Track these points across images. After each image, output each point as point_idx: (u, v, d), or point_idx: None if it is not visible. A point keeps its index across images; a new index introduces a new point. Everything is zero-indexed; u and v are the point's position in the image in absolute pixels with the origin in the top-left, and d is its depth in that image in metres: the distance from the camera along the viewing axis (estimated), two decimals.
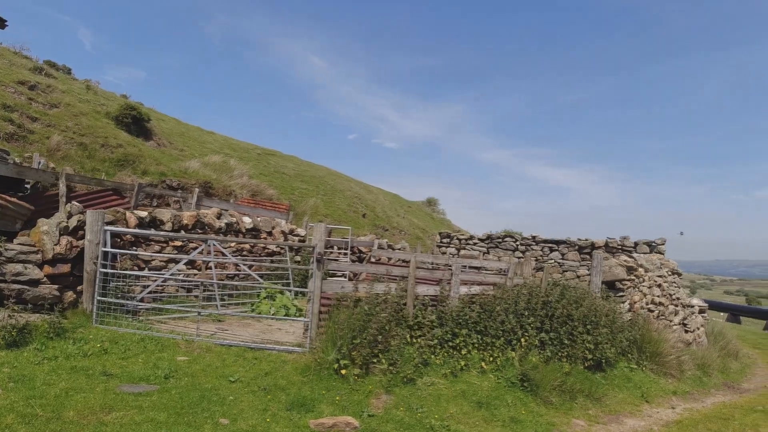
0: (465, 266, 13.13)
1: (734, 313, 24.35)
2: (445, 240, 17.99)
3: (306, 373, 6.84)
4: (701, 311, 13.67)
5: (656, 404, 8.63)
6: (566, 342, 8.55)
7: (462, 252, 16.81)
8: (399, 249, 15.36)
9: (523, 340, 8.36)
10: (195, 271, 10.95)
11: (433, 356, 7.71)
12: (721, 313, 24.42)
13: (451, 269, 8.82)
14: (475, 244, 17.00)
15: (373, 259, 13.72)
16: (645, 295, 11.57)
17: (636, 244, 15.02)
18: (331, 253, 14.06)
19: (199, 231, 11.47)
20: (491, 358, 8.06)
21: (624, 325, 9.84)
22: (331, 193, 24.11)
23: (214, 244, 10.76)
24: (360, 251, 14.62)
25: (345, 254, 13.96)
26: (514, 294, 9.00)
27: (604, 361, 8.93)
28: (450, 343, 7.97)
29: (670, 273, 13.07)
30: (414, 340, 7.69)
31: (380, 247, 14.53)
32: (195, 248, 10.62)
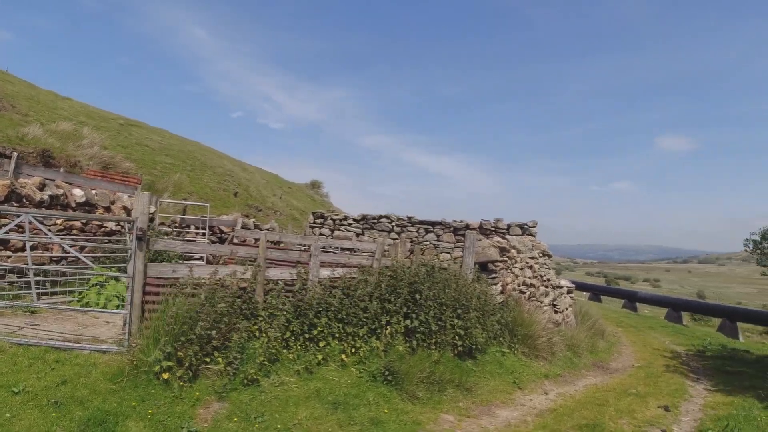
0: (337, 247, 12.18)
1: (595, 293, 25.95)
2: (318, 220, 16.90)
3: (118, 380, 5.42)
4: (569, 292, 13.92)
5: (529, 390, 8.26)
6: (434, 328, 7.85)
7: (336, 233, 15.88)
8: (267, 229, 14.04)
9: (388, 328, 7.55)
10: (9, 253, 9.00)
11: (285, 351, 6.60)
12: (584, 293, 25.89)
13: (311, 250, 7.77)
14: (350, 224, 16.13)
15: (236, 240, 12.33)
16: (517, 276, 11.37)
17: (509, 226, 14.99)
18: (188, 233, 12.42)
19: (15, 204, 9.44)
20: (353, 350, 7.14)
21: (496, 308, 9.44)
22: (200, 169, 21.98)
23: (30, 220, 8.82)
24: (222, 231, 13.08)
25: (203, 234, 12.39)
26: (380, 277, 8.12)
27: (474, 346, 8.40)
28: (306, 335, 6.92)
29: (541, 255, 13.08)
30: (263, 334, 6.54)
31: (245, 227, 13.09)
32: (7, 225, 8.65)
